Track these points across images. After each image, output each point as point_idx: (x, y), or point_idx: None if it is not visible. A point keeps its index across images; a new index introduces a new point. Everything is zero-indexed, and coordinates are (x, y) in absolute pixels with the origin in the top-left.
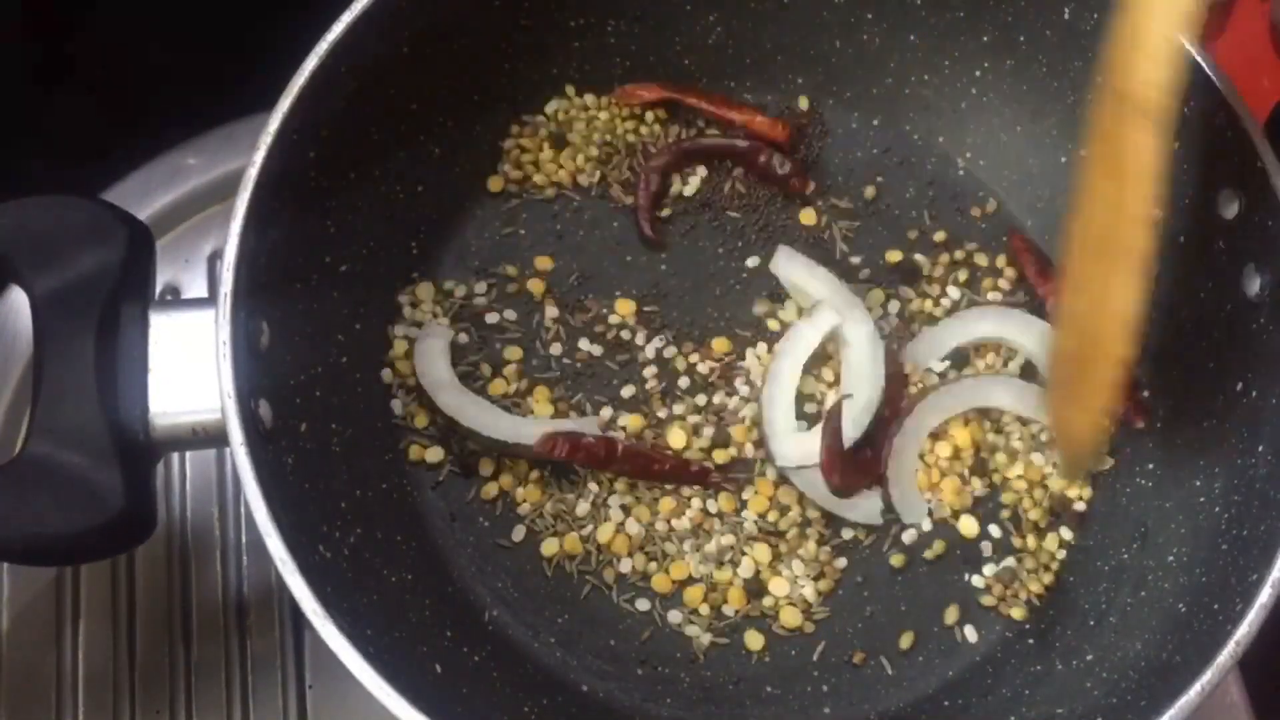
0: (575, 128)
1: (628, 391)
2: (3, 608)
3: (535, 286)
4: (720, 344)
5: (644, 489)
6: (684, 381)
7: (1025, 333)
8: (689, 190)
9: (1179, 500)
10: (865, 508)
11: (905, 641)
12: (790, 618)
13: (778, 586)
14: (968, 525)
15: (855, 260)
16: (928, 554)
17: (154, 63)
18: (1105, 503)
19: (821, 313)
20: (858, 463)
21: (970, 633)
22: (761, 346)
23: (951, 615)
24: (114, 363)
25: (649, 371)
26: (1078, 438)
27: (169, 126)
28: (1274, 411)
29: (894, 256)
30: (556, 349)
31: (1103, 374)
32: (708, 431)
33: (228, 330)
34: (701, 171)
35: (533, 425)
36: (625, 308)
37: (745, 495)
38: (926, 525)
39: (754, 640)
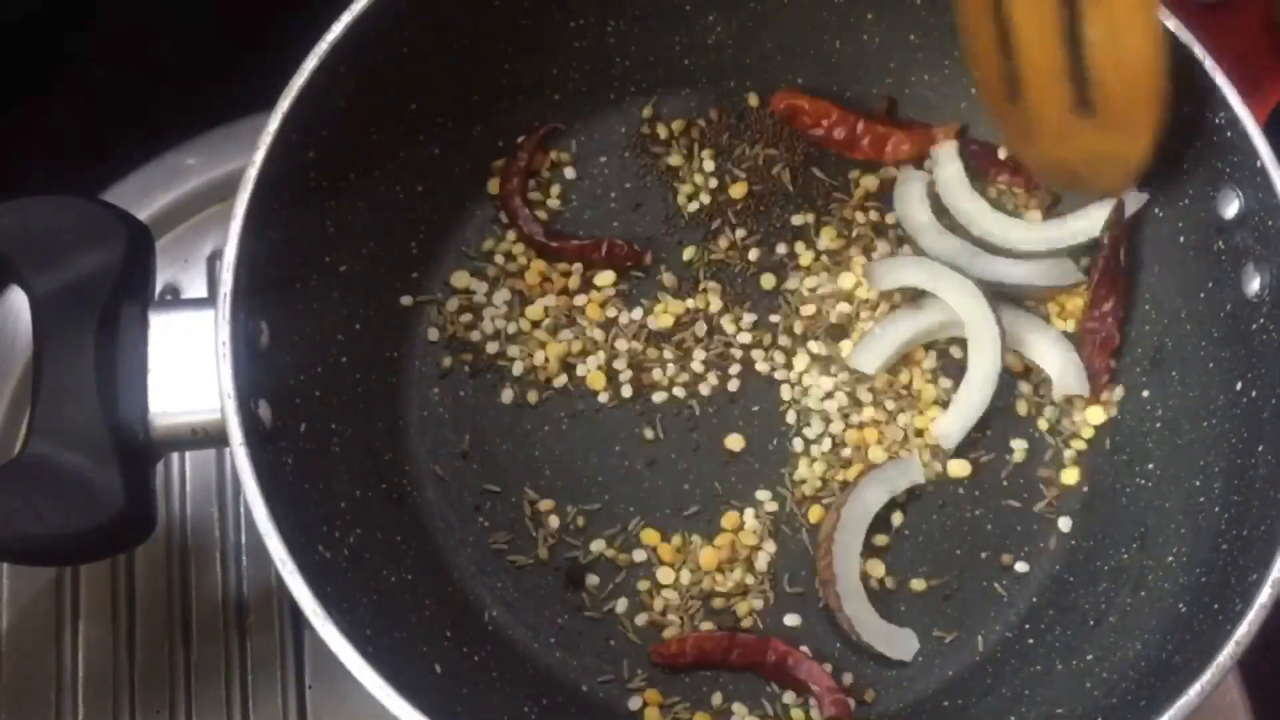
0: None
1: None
2: (3, 608)
3: (535, 286)
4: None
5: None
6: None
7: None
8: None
9: (1179, 500)
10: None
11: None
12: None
13: None
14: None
15: None
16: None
17: (153, 62)
18: (1105, 503)
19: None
20: None
21: (971, 631)
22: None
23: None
24: (114, 363)
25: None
26: (1127, 158)
27: (169, 126)
28: (1274, 411)
29: None
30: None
31: (1146, 92)
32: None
33: (227, 330)
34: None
35: None
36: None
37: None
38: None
39: None
